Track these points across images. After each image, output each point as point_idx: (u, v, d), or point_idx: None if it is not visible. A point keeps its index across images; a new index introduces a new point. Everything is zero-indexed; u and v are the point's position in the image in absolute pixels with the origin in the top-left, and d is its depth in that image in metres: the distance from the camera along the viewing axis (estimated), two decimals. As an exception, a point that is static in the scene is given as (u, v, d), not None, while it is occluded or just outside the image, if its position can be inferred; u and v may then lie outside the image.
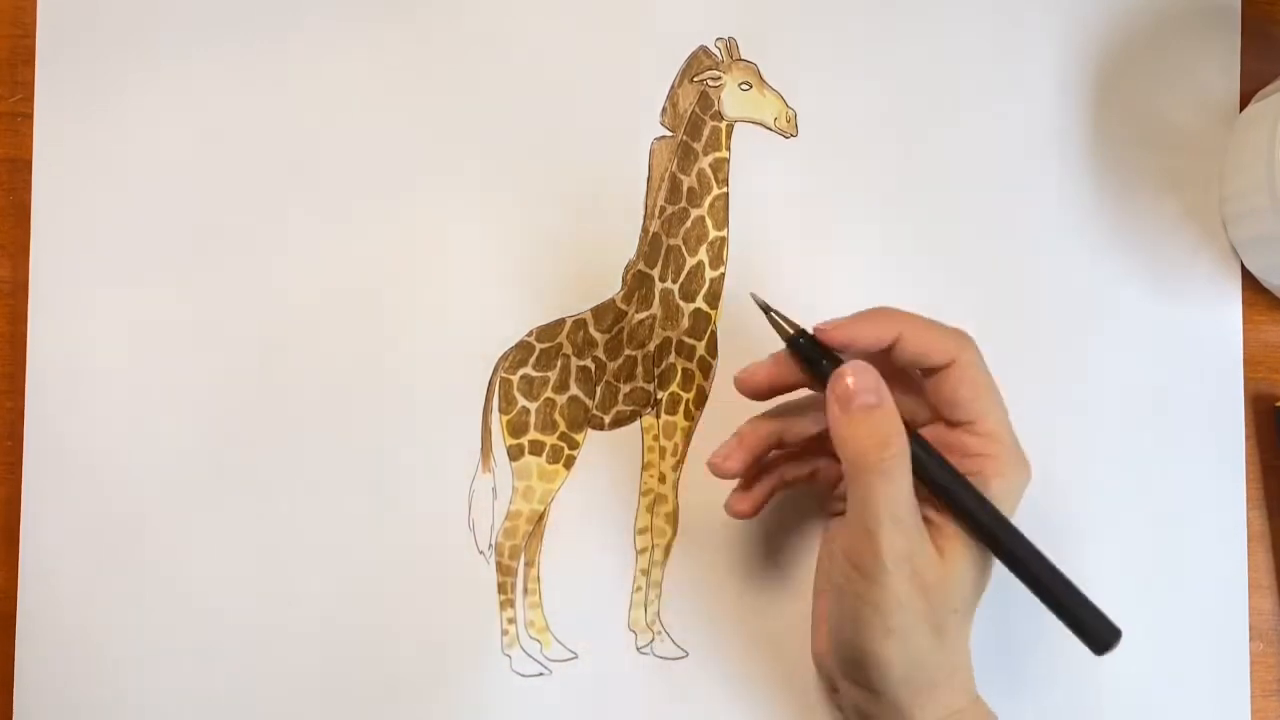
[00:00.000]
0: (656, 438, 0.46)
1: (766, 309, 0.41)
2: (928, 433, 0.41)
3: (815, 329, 0.40)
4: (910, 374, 0.41)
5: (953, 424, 0.40)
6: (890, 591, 0.37)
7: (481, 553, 0.46)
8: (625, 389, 0.46)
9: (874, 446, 0.37)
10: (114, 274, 0.46)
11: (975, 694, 0.41)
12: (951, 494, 0.39)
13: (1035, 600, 0.45)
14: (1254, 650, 0.47)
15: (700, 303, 0.47)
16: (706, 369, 0.47)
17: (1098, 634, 0.38)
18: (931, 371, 0.40)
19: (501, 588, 0.46)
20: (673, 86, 0.47)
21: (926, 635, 0.38)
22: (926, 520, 0.39)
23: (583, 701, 0.46)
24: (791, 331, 0.40)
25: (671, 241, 0.47)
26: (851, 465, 0.38)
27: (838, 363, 0.39)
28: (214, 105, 0.47)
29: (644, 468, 0.46)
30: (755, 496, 0.43)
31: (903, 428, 0.38)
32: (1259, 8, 0.49)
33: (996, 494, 0.39)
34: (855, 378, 0.38)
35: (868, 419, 0.38)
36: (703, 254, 0.47)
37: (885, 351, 0.40)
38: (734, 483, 0.43)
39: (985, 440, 0.39)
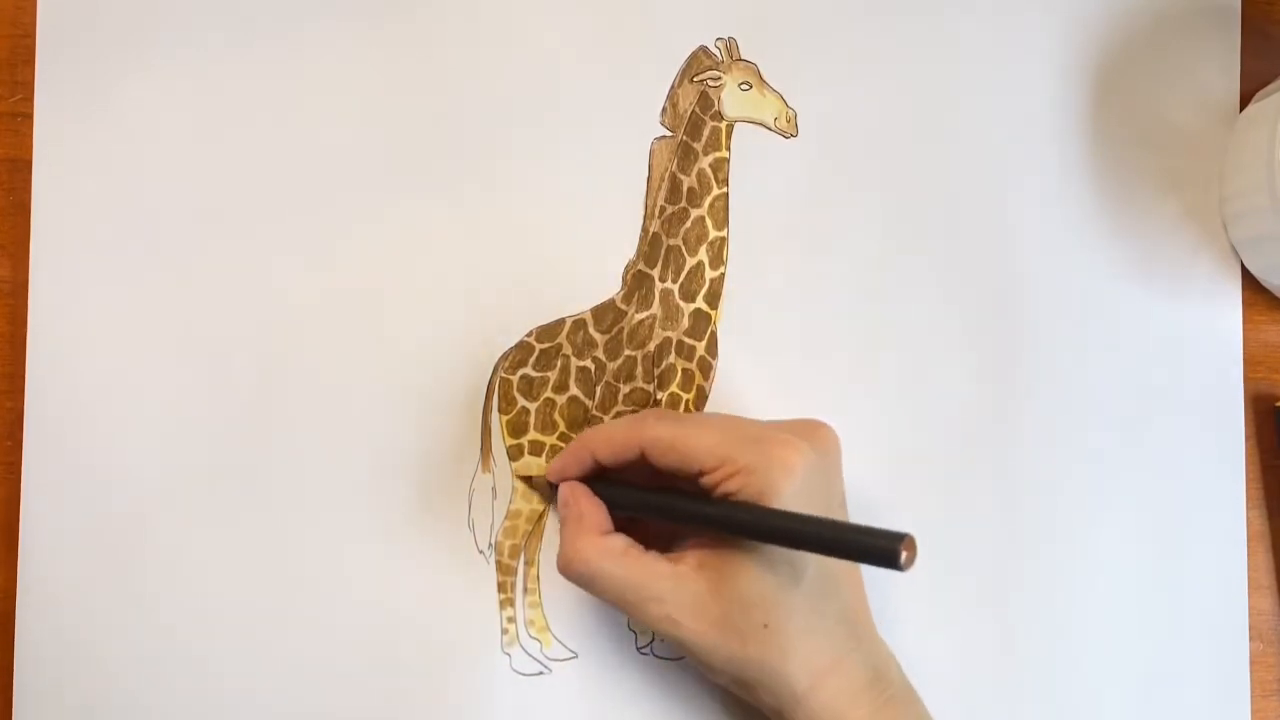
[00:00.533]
0: (656, 438, 0.46)
1: (527, 479, 0.46)
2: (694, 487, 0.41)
3: (546, 475, 0.45)
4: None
5: (697, 479, 0.40)
6: (686, 647, 0.40)
7: (481, 552, 0.46)
8: (625, 389, 0.46)
9: (570, 563, 0.41)
10: (114, 274, 0.46)
11: (884, 681, 0.40)
12: (651, 508, 0.41)
13: (1036, 600, 0.46)
14: (1254, 650, 0.47)
15: (700, 303, 0.47)
16: (706, 369, 0.47)
17: (884, 551, 0.35)
18: (643, 459, 0.41)
19: (501, 587, 0.46)
20: (673, 86, 0.47)
21: (750, 660, 0.39)
22: (697, 546, 0.40)
23: (583, 701, 0.46)
24: (545, 484, 0.45)
25: (671, 241, 0.47)
26: (575, 584, 0.41)
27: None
28: (214, 105, 0.47)
29: (644, 468, 0.46)
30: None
31: (588, 530, 0.41)
32: (1259, 8, 0.49)
33: (763, 492, 0.38)
34: (560, 494, 0.43)
35: (561, 538, 0.42)
36: (703, 254, 0.47)
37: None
38: None
39: (717, 473, 0.39)
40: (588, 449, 0.43)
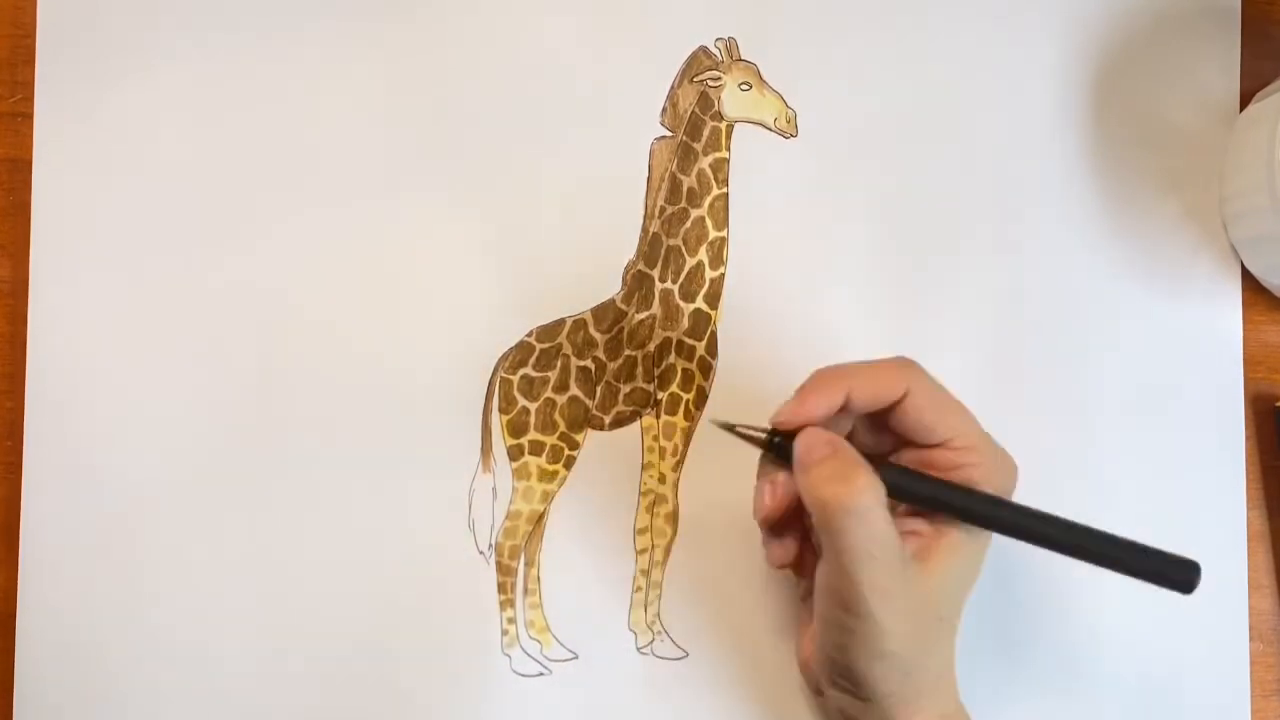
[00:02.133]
0: (656, 438, 0.46)
1: (730, 427, 0.41)
2: (908, 458, 0.40)
3: (773, 423, 0.39)
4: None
5: (929, 446, 0.40)
6: (876, 625, 0.37)
7: (481, 553, 0.46)
8: (625, 389, 0.46)
9: (837, 489, 0.37)
10: (114, 274, 0.46)
11: (958, 700, 0.41)
12: (941, 502, 0.39)
13: (1035, 600, 0.46)
14: (1254, 650, 0.47)
15: (700, 303, 0.47)
16: (706, 369, 0.47)
17: (1176, 574, 0.38)
18: (891, 408, 0.40)
19: (501, 588, 0.46)
20: (673, 86, 0.47)
21: (915, 652, 0.38)
22: (915, 533, 0.40)
23: (583, 701, 0.46)
24: (763, 437, 0.40)
25: (671, 242, 0.47)
26: (821, 512, 0.38)
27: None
28: (214, 105, 0.47)
29: (644, 468, 0.46)
30: (790, 544, 0.42)
31: (866, 466, 0.38)
32: (1259, 8, 0.49)
33: (1004, 490, 0.40)
34: (804, 441, 0.39)
35: (824, 467, 0.38)
36: (703, 254, 0.47)
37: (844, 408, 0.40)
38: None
39: (964, 453, 0.40)
40: (841, 383, 0.39)
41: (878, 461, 0.39)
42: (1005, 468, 0.40)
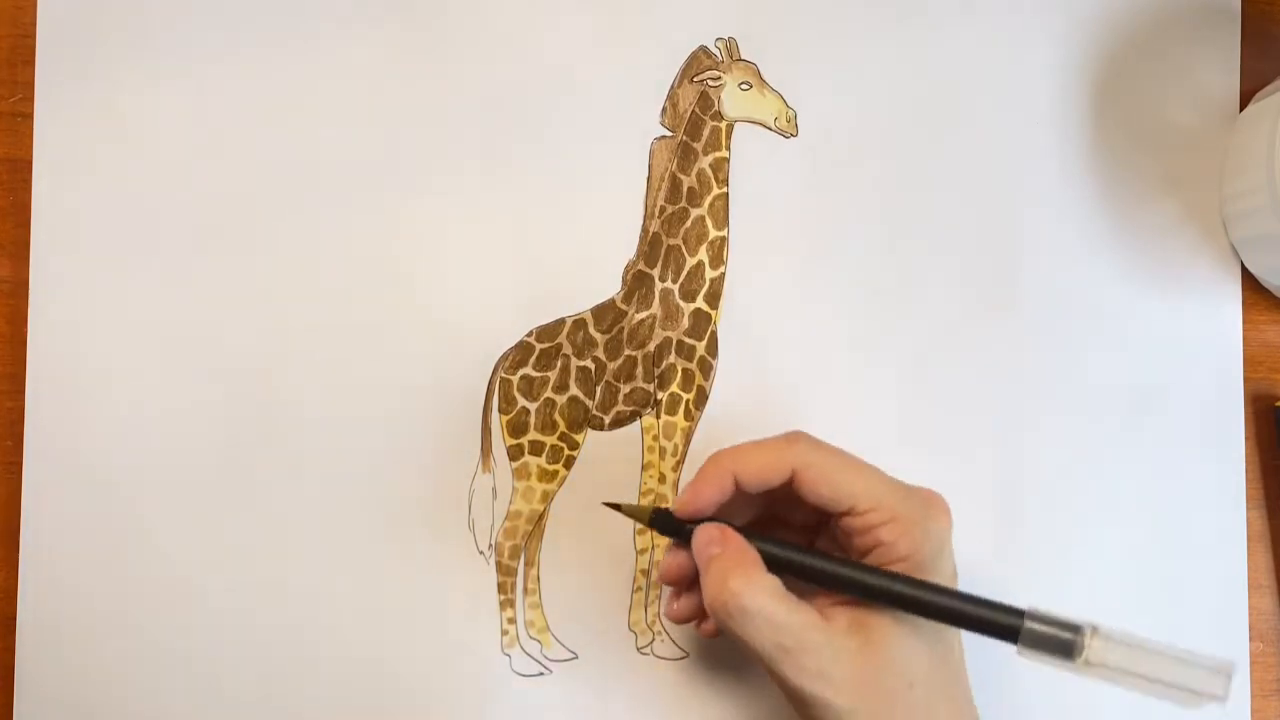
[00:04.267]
0: (656, 438, 0.46)
1: (616, 507, 0.41)
2: (842, 526, 0.39)
3: (673, 509, 0.40)
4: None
5: (842, 515, 0.39)
6: (830, 708, 0.37)
7: (481, 553, 0.46)
8: (625, 389, 0.46)
9: (724, 595, 0.37)
10: (114, 273, 0.46)
11: None
12: (837, 580, 0.38)
13: (1035, 599, 0.45)
14: (1254, 650, 0.47)
15: (700, 303, 0.47)
16: (706, 369, 0.47)
17: (1005, 625, 0.36)
18: (786, 485, 0.39)
19: (501, 588, 0.46)
20: (673, 86, 0.47)
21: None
22: (847, 603, 0.38)
23: (583, 701, 0.46)
24: (647, 516, 0.41)
25: (671, 241, 0.47)
26: (718, 620, 0.38)
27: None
28: (214, 105, 0.47)
29: (644, 468, 0.46)
30: (689, 601, 0.42)
31: (753, 561, 0.38)
32: (1259, 7, 0.49)
33: (909, 550, 0.38)
34: (697, 539, 0.39)
35: (712, 571, 0.38)
36: (703, 254, 0.47)
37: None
38: None
39: (869, 515, 0.38)
40: (728, 469, 0.39)
41: (752, 535, 0.39)
42: (921, 513, 0.38)
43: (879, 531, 0.38)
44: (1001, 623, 0.36)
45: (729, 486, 0.39)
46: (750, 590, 0.37)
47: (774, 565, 0.38)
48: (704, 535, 0.39)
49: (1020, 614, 0.36)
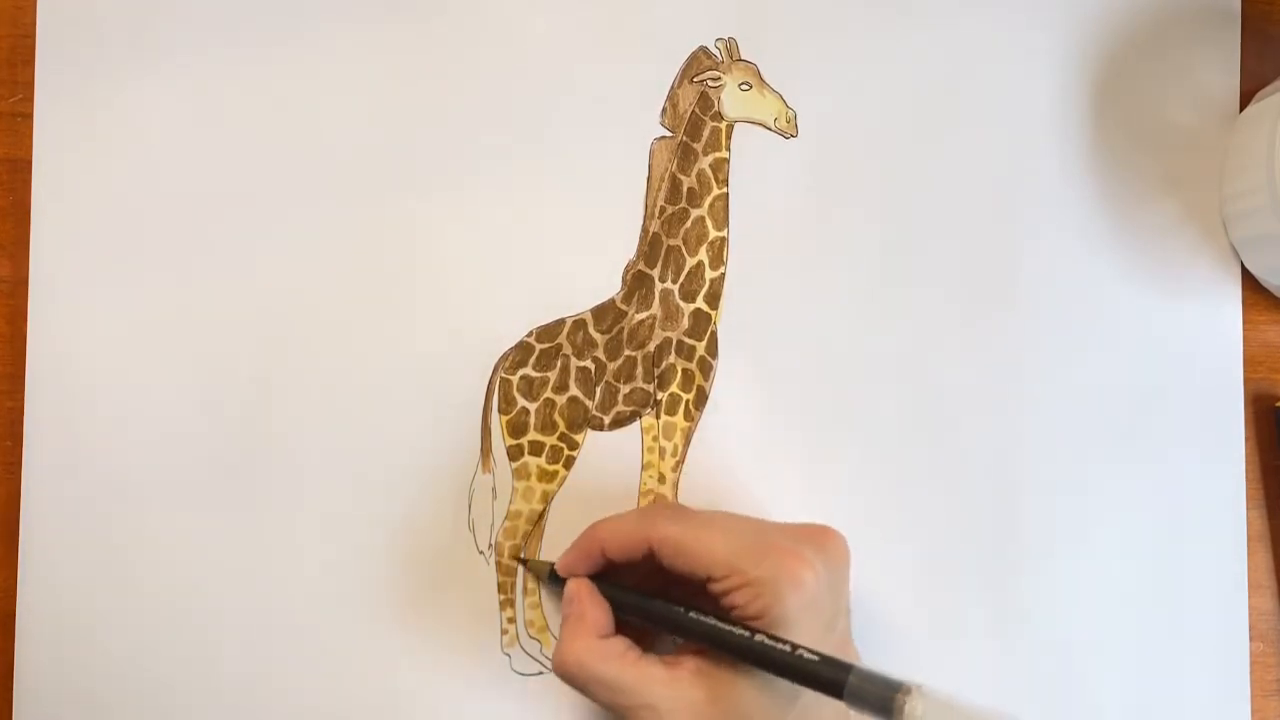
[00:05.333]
0: (656, 438, 0.46)
1: (523, 562, 0.46)
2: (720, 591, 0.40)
3: (555, 568, 0.44)
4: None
5: (707, 582, 0.40)
6: None
7: (481, 553, 0.46)
8: (625, 389, 0.46)
9: (565, 661, 0.40)
10: (114, 273, 0.46)
11: None
12: (677, 626, 0.40)
13: (1035, 601, 0.45)
14: (1254, 650, 0.47)
15: (700, 303, 0.47)
16: (706, 369, 0.47)
17: (831, 680, 0.37)
18: (652, 557, 0.40)
19: (501, 588, 0.46)
20: (673, 86, 0.47)
21: None
22: (704, 670, 0.39)
23: (583, 701, 0.46)
24: (546, 572, 0.45)
25: (671, 242, 0.47)
26: (566, 682, 0.41)
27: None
28: (214, 105, 0.47)
29: (643, 468, 0.46)
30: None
31: (591, 627, 0.41)
32: (1259, 7, 0.49)
33: (759, 612, 0.38)
34: (565, 592, 0.42)
35: (561, 634, 0.41)
36: (703, 254, 0.47)
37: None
38: None
39: (727, 580, 0.39)
40: (597, 543, 0.42)
41: (608, 586, 0.42)
42: (775, 579, 0.38)
43: (733, 596, 0.39)
44: (826, 676, 0.37)
45: (598, 556, 0.42)
46: (580, 656, 0.40)
47: (626, 611, 0.42)
48: (565, 592, 0.42)
49: (847, 669, 0.37)
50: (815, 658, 0.37)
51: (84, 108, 0.46)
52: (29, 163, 0.46)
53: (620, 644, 0.40)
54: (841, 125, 0.48)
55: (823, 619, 0.39)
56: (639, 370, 0.47)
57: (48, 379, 0.45)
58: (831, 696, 0.37)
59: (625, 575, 0.42)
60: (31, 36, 0.46)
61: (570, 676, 0.40)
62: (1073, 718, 0.47)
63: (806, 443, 0.47)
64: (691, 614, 0.40)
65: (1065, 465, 0.47)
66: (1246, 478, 0.48)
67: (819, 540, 0.40)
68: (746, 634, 0.38)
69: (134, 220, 0.46)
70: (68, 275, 0.46)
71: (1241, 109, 0.48)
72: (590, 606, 0.41)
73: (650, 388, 0.47)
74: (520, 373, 0.46)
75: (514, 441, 0.46)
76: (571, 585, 0.42)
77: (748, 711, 0.38)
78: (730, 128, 0.47)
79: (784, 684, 0.38)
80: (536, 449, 0.46)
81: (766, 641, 0.38)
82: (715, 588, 0.39)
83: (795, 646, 0.37)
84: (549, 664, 0.46)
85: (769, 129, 0.47)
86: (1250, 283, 0.48)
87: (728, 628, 0.39)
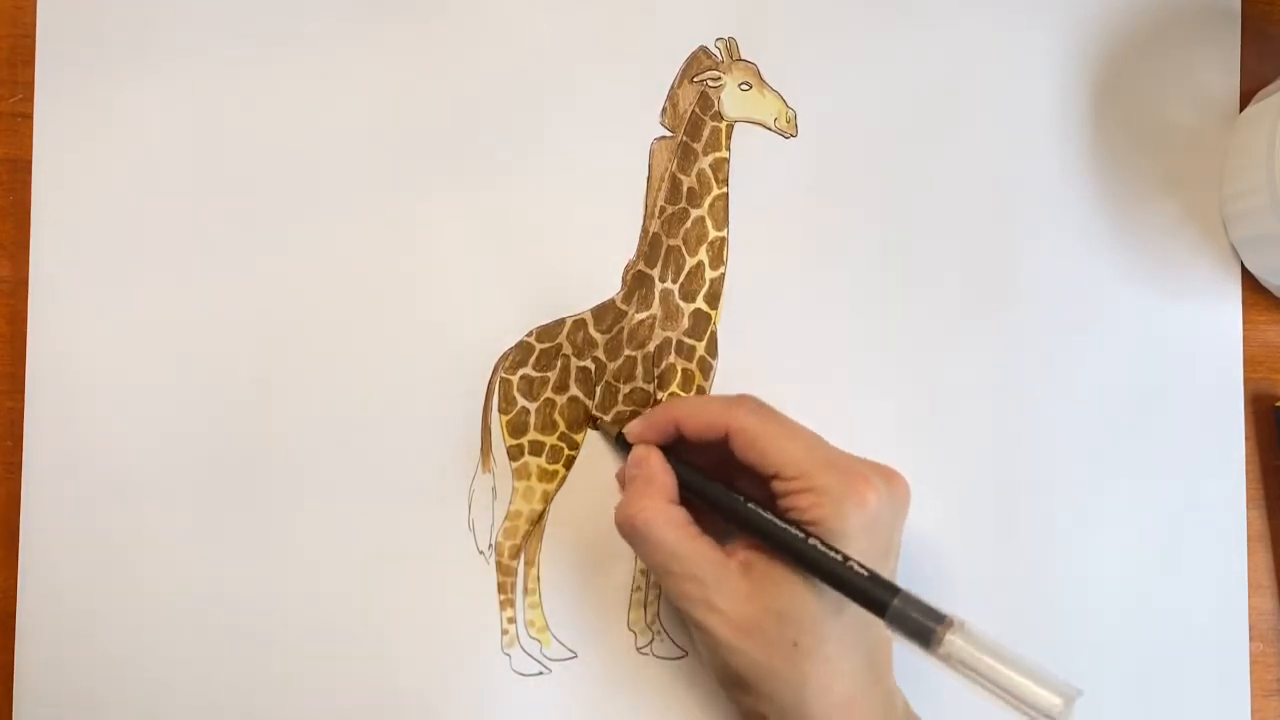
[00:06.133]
0: (656, 438, 0.46)
1: (595, 421, 0.46)
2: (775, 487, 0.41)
3: (624, 433, 0.44)
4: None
5: (769, 478, 0.40)
6: (713, 636, 0.39)
7: (481, 553, 0.46)
8: (625, 389, 0.46)
9: (626, 512, 0.41)
10: (114, 273, 0.46)
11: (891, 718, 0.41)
12: (733, 514, 0.41)
13: (1035, 600, 0.46)
14: (1254, 650, 0.47)
15: (700, 303, 0.47)
16: (706, 369, 0.47)
17: (877, 599, 0.37)
18: (725, 442, 0.41)
19: (501, 588, 0.46)
20: (673, 86, 0.47)
21: (771, 679, 0.39)
22: (754, 547, 0.40)
23: (583, 701, 0.46)
24: (614, 434, 0.45)
25: (671, 241, 0.47)
26: (623, 535, 0.41)
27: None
28: (214, 105, 0.47)
29: (644, 468, 0.46)
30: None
31: (661, 488, 0.41)
32: (1259, 7, 0.49)
33: (816, 520, 0.39)
34: (630, 455, 0.43)
35: (626, 494, 0.42)
36: (703, 254, 0.47)
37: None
38: None
39: (791, 482, 0.40)
40: (673, 418, 0.42)
41: (678, 463, 0.42)
42: (841, 493, 0.39)
43: (796, 498, 0.39)
44: (872, 593, 0.37)
45: (672, 431, 0.42)
46: (648, 514, 0.40)
47: (688, 490, 0.42)
48: (633, 455, 0.43)
49: (895, 591, 0.37)
50: (865, 572, 0.38)
51: (84, 108, 0.46)
52: (29, 163, 0.46)
53: (683, 514, 0.41)
54: (841, 125, 0.48)
55: (876, 548, 0.39)
56: (639, 370, 0.47)
57: (48, 379, 0.45)
58: (874, 614, 0.37)
59: (690, 458, 0.43)
60: (31, 36, 0.46)
61: (631, 530, 0.40)
62: (1072, 717, 0.47)
63: (806, 443, 0.47)
64: (751, 505, 0.40)
65: (1065, 465, 0.47)
66: (1246, 478, 0.48)
67: (887, 475, 0.41)
68: (802, 535, 0.39)
69: (134, 220, 0.46)
70: (68, 275, 0.46)
71: (1241, 109, 0.48)
72: (660, 470, 0.42)
73: (650, 388, 0.47)
74: (520, 372, 0.46)
75: (514, 441, 0.46)
76: (641, 450, 0.43)
77: (787, 615, 0.39)
78: (730, 128, 0.47)
79: (826, 599, 0.39)
80: (537, 449, 0.46)
81: (821, 546, 0.38)
82: (780, 486, 0.40)
83: (847, 558, 0.38)
84: (549, 664, 0.46)
85: (769, 129, 0.47)
86: (1250, 283, 0.48)
87: (785, 525, 0.39)
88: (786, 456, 0.40)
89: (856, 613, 0.39)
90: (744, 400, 0.42)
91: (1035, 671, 0.35)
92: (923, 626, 0.36)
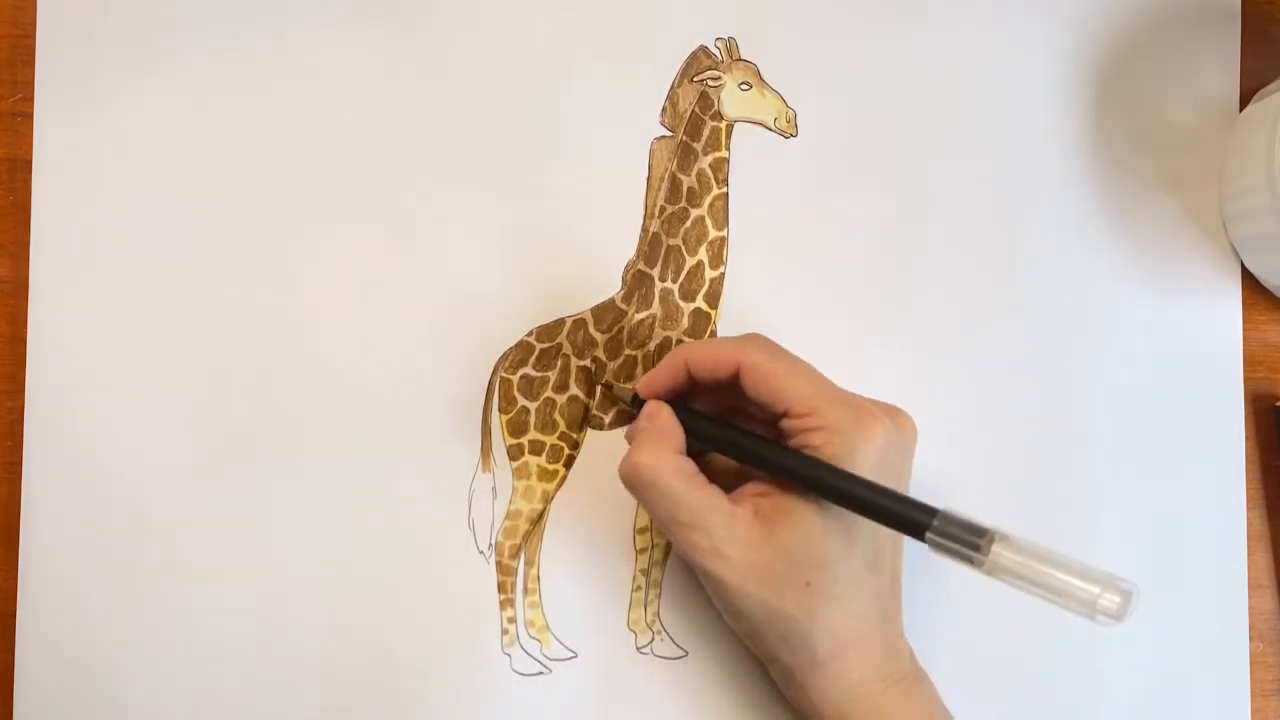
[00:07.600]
0: (656, 438, 0.46)
1: (607, 386, 0.46)
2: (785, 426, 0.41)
3: (636, 389, 0.44)
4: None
5: (781, 416, 0.41)
6: (722, 584, 0.40)
7: (481, 553, 0.46)
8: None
9: (632, 463, 0.40)
10: (114, 274, 0.46)
11: (896, 661, 0.41)
12: (750, 455, 0.41)
13: (1032, 598, 0.45)
14: (1254, 650, 0.47)
15: (700, 303, 0.47)
16: (706, 369, 0.47)
17: (916, 521, 0.37)
18: (735, 381, 0.41)
19: (501, 587, 0.46)
20: (673, 86, 0.47)
21: (781, 619, 0.39)
22: (763, 494, 0.40)
23: (583, 701, 0.46)
24: (629, 399, 0.45)
25: (671, 241, 0.47)
26: (628, 487, 0.41)
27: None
28: (214, 105, 0.47)
29: (644, 467, 0.46)
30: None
31: (668, 439, 0.41)
32: (1259, 7, 0.49)
33: (841, 454, 0.39)
34: (642, 411, 0.43)
35: (632, 445, 0.41)
36: (703, 254, 0.47)
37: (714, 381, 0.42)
38: None
39: (802, 419, 0.40)
40: (683, 359, 0.42)
41: (686, 412, 0.42)
42: (853, 429, 0.39)
43: (808, 435, 0.40)
44: (911, 517, 0.37)
45: (682, 375, 0.42)
46: (653, 464, 0.40)
47: (703, 440, 0.42)
48: (644, 410, 0.43)
49: (933, 512, 0.37)
50: (902, 496, 0.38)
51: (84, 108, 0.46)
52: (29, 163, 0.46)
53: (691, 465, 0.41)
54: (841, 125, 0.48)
55: (886, 483, 0.39)
56: (639, 370, 0.47)
57: (48, 379, 0.45)
58: (914, 537, 0.37)
59: (700, 408, 0.43)
60: (31, 36, 0.46)
61: (638, 481, 0.40)
62: (1073, 717, 0.47)
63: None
64: (772, 442, 0.40)
65: (1064, 464, 0.47)
66: (1246, 478, 0.48)
67: (894, 413, 0.41)
68: (832, 466, 0.39)
69: (134, 220, 0.46)
70: (68, 275, 0.46)
71: (1241, 109, 0.48)
72: (669, 422, 0.42)
73: (650, 387, 0.46)
74: (520, 372, 0.46)
75: (514, 441, 0.46)
76: (652, 405, 0.42)
77: (799, 557, 0.39)
78: (730, 127, 0.47)
79: (837, 540, 0.39)
80: (537, 448, 0.46)
81: (853, 475, 0.38)
82: (790, 425, 0.40)
83: (878, 486, 0.38)
84: (549, 664, 0.46)
85: (769, 129, 0.47)
86: (1250, 283, 0.48)
87: (813, 458, 0.39)
88: (796, 392, 0.40)
89: (865, 554, 0.39)
90: (753, 337, 0.42)
91: (1086, 570, 0.35)
92: (968, 542, 0.36)
